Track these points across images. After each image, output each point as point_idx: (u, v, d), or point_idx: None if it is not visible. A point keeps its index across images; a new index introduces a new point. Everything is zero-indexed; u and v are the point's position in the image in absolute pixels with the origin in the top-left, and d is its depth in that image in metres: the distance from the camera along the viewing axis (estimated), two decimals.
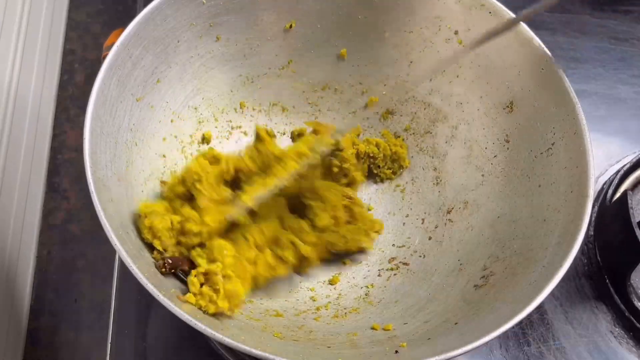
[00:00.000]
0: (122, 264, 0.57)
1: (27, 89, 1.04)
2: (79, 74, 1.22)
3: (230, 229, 0.51)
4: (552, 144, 0.49)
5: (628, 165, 0.62)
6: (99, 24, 1.28)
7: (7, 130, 0.95)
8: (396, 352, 0.44)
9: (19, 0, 1.02)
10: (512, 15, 0.52)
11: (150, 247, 0.47)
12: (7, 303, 0.92)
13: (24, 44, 1.03)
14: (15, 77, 0.99)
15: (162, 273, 0.46)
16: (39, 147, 1.09)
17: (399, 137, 0.60)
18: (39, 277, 1.04)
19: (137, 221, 0.48)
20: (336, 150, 0.56)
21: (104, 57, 0.46)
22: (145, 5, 0.49)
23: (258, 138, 0.55)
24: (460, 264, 0.51)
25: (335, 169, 0.56)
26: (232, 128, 0.59)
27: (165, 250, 0.47)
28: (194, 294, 0.44)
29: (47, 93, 1.13)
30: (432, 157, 0.59)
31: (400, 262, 0.55)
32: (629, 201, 0.56)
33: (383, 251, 0.56)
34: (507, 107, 0.53)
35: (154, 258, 0.47)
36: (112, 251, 0.58)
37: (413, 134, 0.59)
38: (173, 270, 0.47)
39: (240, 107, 0.59)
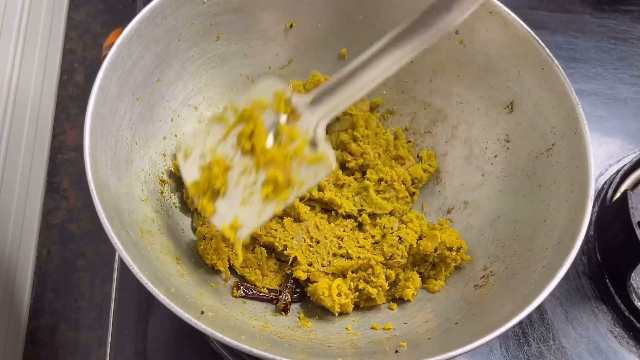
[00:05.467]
0: (122, 264, 0.57)
1: (27, 88, 1.04)
2: (79, 74, 1.22)
3: None
4: (553, 144, 0.49)
5: (628, 165, 0.62)
6: (99, 23, 1.28)
7: (7, 130, 0.95)
8: (396, 351, 0.44)
9: (19, 0, 1.02)
10: (512, 15, 0.52)
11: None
12: (7, 302, 0.92)
13: (24, 43, 1.03)
14: (15, 77, 0.99)
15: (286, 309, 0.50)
16: (39, 147, 1.08)
17: (409, 141, 0.60)
18: (38, 276, 1.04)
19: (195, 245, 0.50)
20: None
21: (104, 57, 0.46)
22: (145, 5, 0.48)
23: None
24: (460, 264, 0.51)
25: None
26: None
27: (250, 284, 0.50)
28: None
29: (47, 93, 1.13)
30: None
31: None
32: (629, 201, 0.56)
33: None
34: (508, 107, 0.53)
35: (277, 306, 0.50)
36: (112, 251, 0.58)
37: (413, 133, 0.59)
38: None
39: None
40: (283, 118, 0.47)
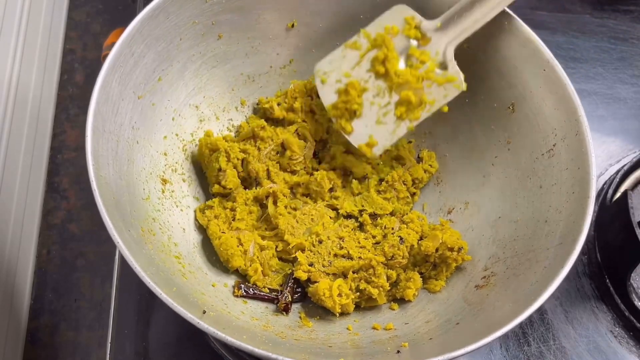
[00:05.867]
0: (122, 264, 0.57)
1: (27, 88, 1.04)
2: (79, 74, 1.22)
3: None
4: (554, 145, 0.49)
5: (628, 165, 0.62)
6: (98, 23, 1.28)
7: (7, 130, 0.95)
8: (398, 352, 0.44)
9: (19, 0, 1.02)
10: (514, 16, 0.52)
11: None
12: (7, 302, 0.92)
13: (24, 44, 1.03)
14: (15, 77, 0.99)
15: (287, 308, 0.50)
16: (39, 147, 1.08)
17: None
18: (38, 276, 1.04)
19: (196, 244, 0.51)
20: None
21: (104, 57, 0.46)
22: (145, 5, 0.48)
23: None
24: (461, 265, 0.51)
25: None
26: (234, 126, 0.59)
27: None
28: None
29: (47, 93, 1.13)
30: None
31: None
32: (629, 201, 0.56)
33: None
34: (509, 107, 0.53)
35: (278, 305, 0.50)
36: (112, 251, 0.58)
37: (414, 134, 0.59)
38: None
39: (242, 106, 0.59)
40: (414, 42, 0.52)
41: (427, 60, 0.51)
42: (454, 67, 0.51)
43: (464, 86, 0.51)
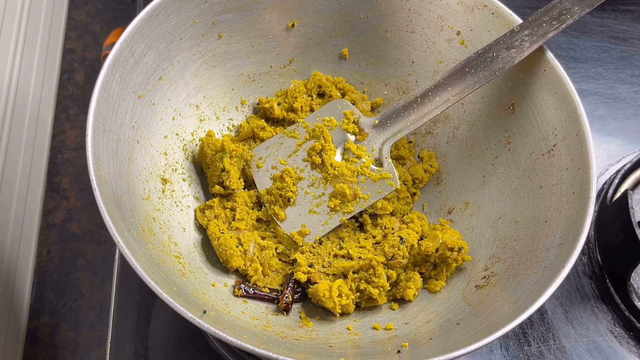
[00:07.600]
0: (122, 263, 0.57)
1: (26, 88, 1.04)
2: (79, 74, 1.22)
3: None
4: (554, 145, 0.49)
5: (628, 165, 0.62)
6: (98, 23, 1.28)
7: (7, 130, 0.95)
8: (398, 352, 0.44)
9: (19, 0, 1.02)
10: (515, 16, 0.52)
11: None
12: (7, 302, 0.92)
13: (23, 43, 1.03)
14: (15, 77, 0.99)
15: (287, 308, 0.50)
16: (39, 146, 1.08)
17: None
18: (38, 276, 1.04)
19: (196, 244, 0.51)
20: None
21: (104, 57, 0.46)
22: (145, 5, 0.49)
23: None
24: (461, 265, 0.51)
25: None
26: (234, 126, 0.59)
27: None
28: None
29: (46, 92, 1.13)
30: None
31: None
32: (629, 201, 0.56)
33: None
34: (509, 107, 0.53)
35: (278, 305, 0.50)
36: (112, 250, 0.58)
37: (414, 134, 0.59)
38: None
39: (242, 105, 0.59)
40: (351, 137, 0.53)
41: (363, 156, 0.53)
42: (389, 165, 0.52)
43: (398, 184, 0.52)
